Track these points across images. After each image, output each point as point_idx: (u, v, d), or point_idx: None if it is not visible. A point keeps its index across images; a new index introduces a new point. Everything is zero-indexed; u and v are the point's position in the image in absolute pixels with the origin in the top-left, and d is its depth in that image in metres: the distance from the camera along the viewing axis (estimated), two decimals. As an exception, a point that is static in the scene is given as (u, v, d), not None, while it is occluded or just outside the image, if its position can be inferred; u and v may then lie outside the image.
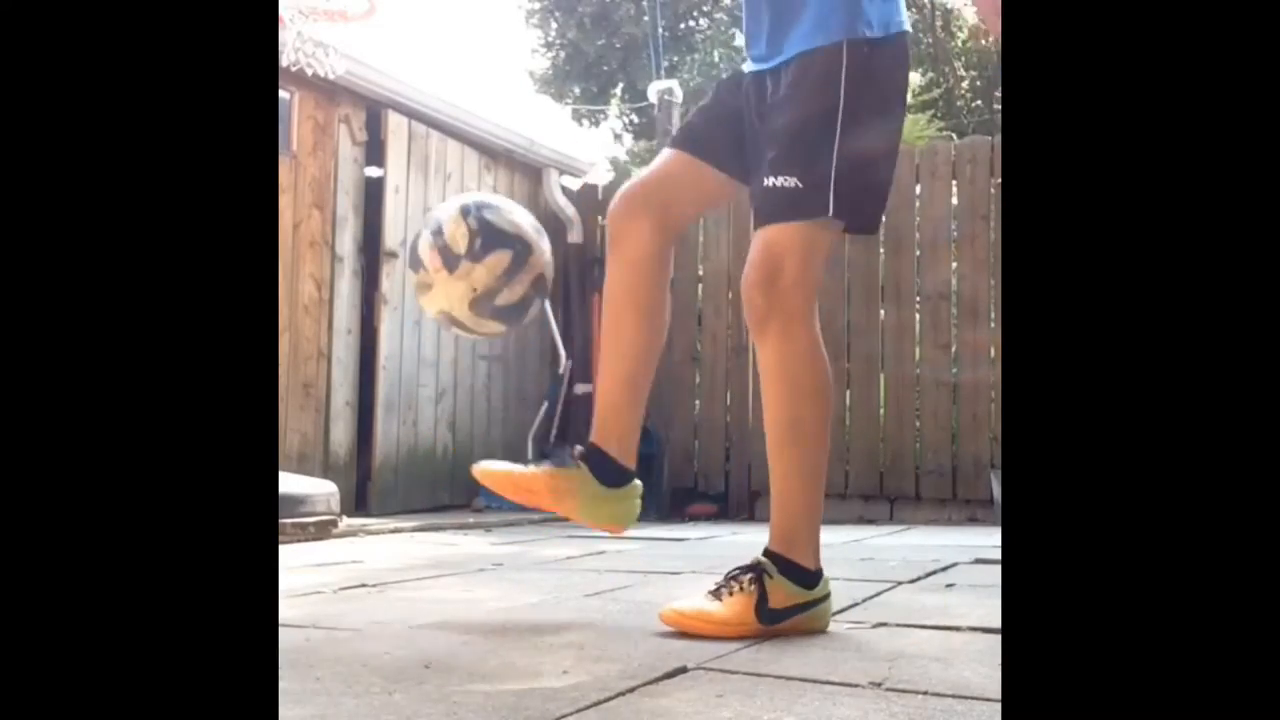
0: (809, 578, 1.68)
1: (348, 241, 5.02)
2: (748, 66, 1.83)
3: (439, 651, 1.51)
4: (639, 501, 1.89)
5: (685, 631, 1.64)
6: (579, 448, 1.84)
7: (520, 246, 1.89)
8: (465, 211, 1.90)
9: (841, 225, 1.71)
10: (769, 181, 1.67)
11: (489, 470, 1.85)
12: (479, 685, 1.29)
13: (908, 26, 1.75)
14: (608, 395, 1.85)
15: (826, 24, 1.67)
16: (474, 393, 5.69)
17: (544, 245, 1.96)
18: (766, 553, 1.71)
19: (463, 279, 1.86)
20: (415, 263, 1.95)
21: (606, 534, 2.00)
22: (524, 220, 1.95)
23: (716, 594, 1.68)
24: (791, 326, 1.67)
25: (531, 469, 1.84)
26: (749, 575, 1.68)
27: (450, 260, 1.86)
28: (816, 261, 1.69)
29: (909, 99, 1.77)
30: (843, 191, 1.65)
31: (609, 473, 1.82)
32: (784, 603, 1.65)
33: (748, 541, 3.93)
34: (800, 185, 1.65)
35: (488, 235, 1.87)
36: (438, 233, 1.90)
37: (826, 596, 1.70)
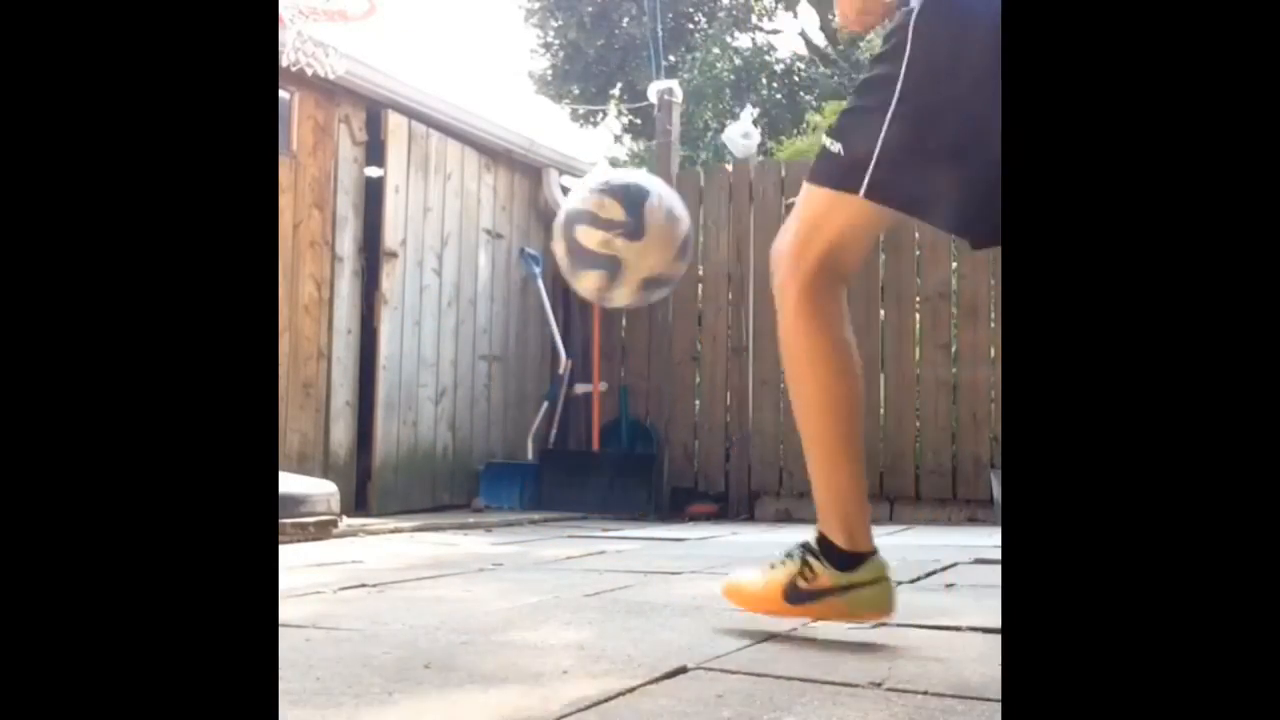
0: (842, 559, 1.58)
1: (348, 241, 5.02)
2: None
3: (439, 651, 1.51)
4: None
5: (732, 602, 1.68)
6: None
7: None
8: (599, 189, 1.93)
9: (888, 209, 1.53)
10: (824, 140, 1.57)
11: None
12: (479, 685, 1.29)
13: None
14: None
15: None
16: (474, 393, 5.69)
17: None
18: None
19: (653, 240, 1.88)
20: (586, 262, 1.91)
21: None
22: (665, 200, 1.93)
23: (772, 564, 1.63)
24: (784, 294, 1.57)
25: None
26: (800, 549, 1.61)
27: (628, 229, 1.88)
28: (833, 234, 1.54)
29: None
30: (887, 175, 1.47)
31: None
32: (813, 585, 1.58)
33: (748, 541, 3.93)
34: (842, 151, 1.52)
35: (632, 203, 1.89)
36: (592, 220, 1.89)
37: (871, 583, 1.57)
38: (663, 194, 1.94)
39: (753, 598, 1.63)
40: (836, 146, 1.52)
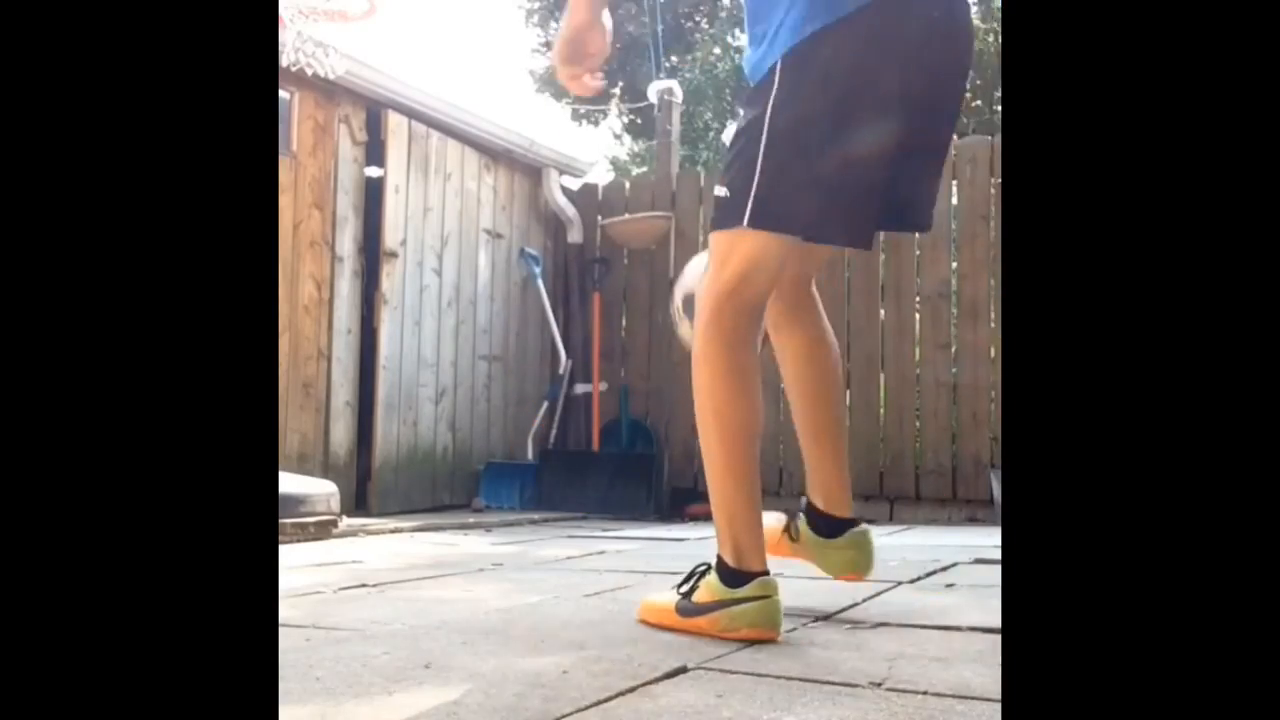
0: (730, 576, 1.64)
1: (348, 241, 5.02)
2: None
3: (439, 651, 1.51)
4: (866, 548, 1.96)
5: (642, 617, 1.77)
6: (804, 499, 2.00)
7: None
8: None
9: (776, 236, 1.65)
10: (716, 189, 1.72)
11: None
12: (479, 685, 1.29)
13: None
14: (804, 452, 1.99)
15: (770, 49, 1.64)
16: (474, 393, 5.69)
17: None
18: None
19: None
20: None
21: (847, 580, 2.00)
22: None
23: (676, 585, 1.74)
24: (700, 329, 1.69)
25: (770, 523, 1.93)
26: (698, 571, 1.72)
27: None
28: (736, 268, 1.66)
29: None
30: (771, 201, 1.62)
31: (821, 525, 1.96)
32: (698, 600, 1.67)
33: (748, 541, 3.93)
34: (728, 194, 1.67)
35: None
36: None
37: (753, 599, 1.61)
38: None
39: (654, 611, 1.75)
40: (723, 191, 1.69)
